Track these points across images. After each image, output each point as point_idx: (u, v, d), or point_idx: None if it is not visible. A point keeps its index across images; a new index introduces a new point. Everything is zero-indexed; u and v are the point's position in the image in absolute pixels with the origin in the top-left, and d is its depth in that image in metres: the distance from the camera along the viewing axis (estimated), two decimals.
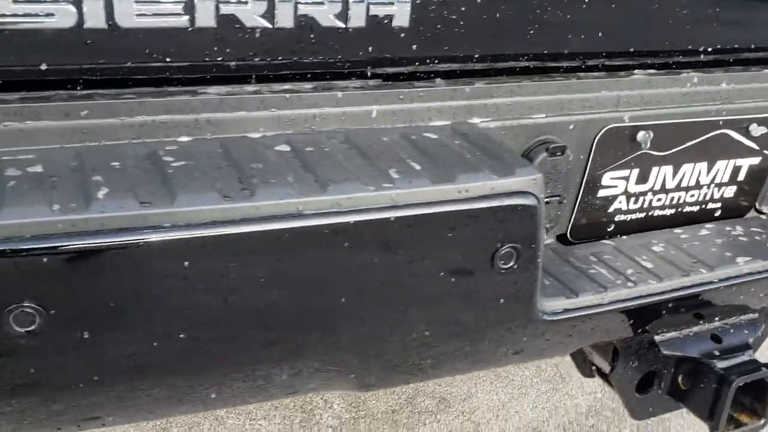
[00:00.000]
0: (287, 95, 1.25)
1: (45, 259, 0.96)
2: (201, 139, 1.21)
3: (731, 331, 1.70)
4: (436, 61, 1.35)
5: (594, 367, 1.83)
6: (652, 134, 1.58)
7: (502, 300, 1.29)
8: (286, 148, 1.22)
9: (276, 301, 1.11)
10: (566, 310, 1.42)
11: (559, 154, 1.48)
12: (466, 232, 1.19)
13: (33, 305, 0.98)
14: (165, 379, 1.12)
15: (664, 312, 1.56)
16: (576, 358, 1.89)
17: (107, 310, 1.02)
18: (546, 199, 1.43)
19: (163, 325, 1.06)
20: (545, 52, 1.44)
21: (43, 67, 1.10)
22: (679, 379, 1.70)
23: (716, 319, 1.68)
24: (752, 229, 1.79)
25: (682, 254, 1.64)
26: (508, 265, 1.24)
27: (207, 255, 1.04)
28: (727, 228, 1.79)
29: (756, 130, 1.72)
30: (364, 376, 1.31)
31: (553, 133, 1.49)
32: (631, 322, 1.54)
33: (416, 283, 1.20)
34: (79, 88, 1.14)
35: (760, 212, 1.89)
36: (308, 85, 1.27)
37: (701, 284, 1.57)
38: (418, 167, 1.19)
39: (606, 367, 1.69)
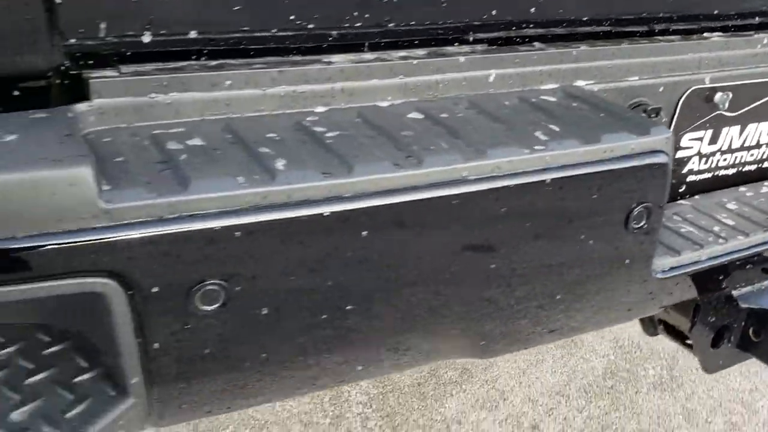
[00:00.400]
0: (414, 61, 1.23)
1: (235, 234, 0.93)
2: (336, 109, 1.18)
3: None
4: (552, 24, 1.35)
5: (661, 326, 1.87)
6: (730, 95, 1.62)
7: (628, 260, 1.31)
8: (419, 115, 1.20)
9: (439, 266, 1.10)
10: (672, 268, 1.45)
11: (654, 115, 1.50)
12: (608, 193, 1.20)
13: (219, 282, 0.94)
14: (334, 352, 1.09)
15: (747, 266, 1.61)
16: (642, 318, 1.93)
17: (290, 284, 0.99)
18: None
19: (342, 298, 1.03)
20: (642, 15, 1.46)
21: (192, 35, 1.05)
22: (750, 331, 1.76)
23: None
24: None
25: (756, 211, 1.68)
26: (639, 225, 1.26)
27: (383, 224, 1.02)
28: None
29: None
30: (492, 342, 1.31)
31: (645, 95, 1.51)
32: (720, 277, 1.58)
33: (560, 246, 1.21)
34: (223, 57, 1.09)
35: None
36: (434, 50, 1.26)
37: None
38: (558, 129, 1.19)
39: (685, 325, 1.73)
